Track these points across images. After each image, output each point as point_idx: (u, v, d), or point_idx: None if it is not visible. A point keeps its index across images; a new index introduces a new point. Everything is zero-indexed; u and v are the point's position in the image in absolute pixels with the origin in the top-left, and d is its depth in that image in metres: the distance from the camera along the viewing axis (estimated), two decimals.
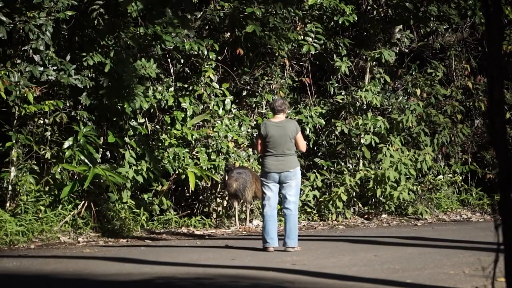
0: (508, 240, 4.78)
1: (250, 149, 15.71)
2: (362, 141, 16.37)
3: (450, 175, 17.55)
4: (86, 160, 13.73)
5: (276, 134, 10.90)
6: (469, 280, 7.59)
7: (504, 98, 4.90)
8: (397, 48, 17.90)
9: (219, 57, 15.68)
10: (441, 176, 17.27)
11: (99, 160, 14.19)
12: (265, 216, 11.01)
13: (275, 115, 11.18)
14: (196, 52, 14.97)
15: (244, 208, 14.96)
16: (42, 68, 13.42)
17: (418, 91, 17.31)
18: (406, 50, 18.24)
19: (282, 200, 11.04)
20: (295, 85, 16.99)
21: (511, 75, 17.76)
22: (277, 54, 15.96)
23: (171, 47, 14.74)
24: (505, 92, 17.80)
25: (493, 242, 5.01)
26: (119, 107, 14.24)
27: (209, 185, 15.31)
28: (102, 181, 13.89)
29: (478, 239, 11.44)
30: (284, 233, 10.92)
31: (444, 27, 18.17)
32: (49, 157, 13.78)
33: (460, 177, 17.81)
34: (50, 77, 13.53)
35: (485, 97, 17.72)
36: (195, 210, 15.55)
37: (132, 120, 14.61)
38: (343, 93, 17.13)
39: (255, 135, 15.76)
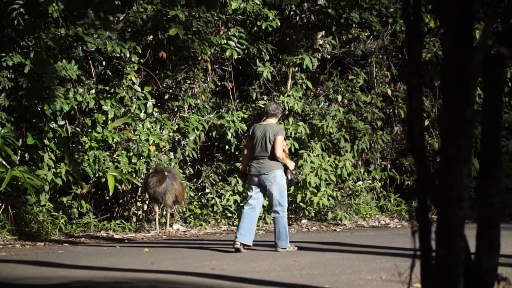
0: (424, 246, 4.84)
1: (171, 153, 15.63)
2: None
3: (370, 181, 17.73)
4: (4, 162, 13.46)
5: (258, 136, 11.29)
6: (386, 286, 7.67)
7: (423, 105, 4.96)
8: (319, 54, 18.02)
9: (141, 60, 15.55)
10: (360, 182, 17.44)
11: (17, 162, 13.94)
12: (242, 213, 11.35)
13: (267, 118, 11.57)
14: (118, 55, 14.83)
15: (164, 212, 14.88)
16: None
17: (339, 97, 17.46)
18: (328, 56, 18.37)
19: (269, 204, 11.45)
20: (217, 89, 16.98)
21: (430, 82, 18.03)
22: (200, 58, 15.92)
23: (93, 49, 14.59)
24: (424, 99, 18.06)
25: (409, 248, 5.06)
26: (39, 109, 14.03)
27: (129, 188, 15.20)
28: (20, 183, 13.65)
29: (395, 245, 11.59)
30: (274, 235, 11.29)
31: (366, 34, 18.36)
32: None
33: (379, 184, 18.00)
34: None
35: (405, 104, 17.96)
36: (115, 214, 15.42)
37: (52, 122, 14.40)
38: (265, 98, 17.17)
39: (176, 139, 15.70)
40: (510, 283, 5.22)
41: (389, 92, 18.34)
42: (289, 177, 11.47)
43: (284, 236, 11.14)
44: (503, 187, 17.31)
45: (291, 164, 11.48)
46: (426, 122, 18.25)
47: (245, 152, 11.58)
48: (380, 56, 18.86)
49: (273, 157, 11.18)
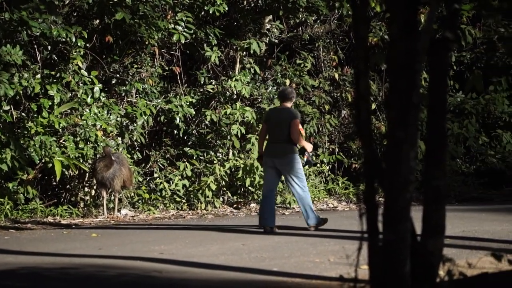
0: (371, 229, 4.88)
1: (119, 138, 15.55)
2: (231, 130, 16.44)
3: (318, 165, 17.81)
4: None
5: (274, 120, 11.49)
6: (334, 268, 7.72)
7: (369, 89, 5.00)
8: (267, 39, 18.03)
9: (87, 45, 15.41)
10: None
11: None
12: (262, 196, 11.75)
13: (283, 102, 11.77)
14: (64, 39, 14.67)
15: (112, 197, 14.80)
16: None
17: (287, 82, 17.49)
18: (276, 41, 18.38)
19: (290, 189, 11.86)
20: (165, 74, 16.91)
21: (377, 66, 18.15)
22: (147, 43, 15.82)
23: (38, 34, 14.41)
24: (371, 83, 18.18)
25: (357, 231, 5.10)
26: None
27: (76, 174, 15.09)
28: None
29: (343, 228, 11.69)
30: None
31: (313, 19, 18.42)
32: None
33: (327, 167, 18.09)
34: None
35: (352, 88, 18.06)
36: (62, 199, 15.30)
37: None
38: (213, 83, 17.15)
39: (124, 124, 15.61)
40: (455, 264, 5.30)
41: (337, 76, 18.43)
42: (306, 159, 11.81)
43: (311, 214, 11.54)
44: (448, 170, 17.53)
45: (309, 146, 11.82)
46: (373, 106, 18.39)
47: (261, 136, 11.86)
48: (327, 40, 18.94)
49: (289, 140, 11.36)
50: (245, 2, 17.81)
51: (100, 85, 15.29)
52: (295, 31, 19.07)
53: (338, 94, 18.68)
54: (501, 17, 16.34)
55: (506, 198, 18.38)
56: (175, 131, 16.63)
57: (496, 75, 20.00)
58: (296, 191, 11.44)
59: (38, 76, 14.71)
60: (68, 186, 15.37)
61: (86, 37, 14.96)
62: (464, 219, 12.75)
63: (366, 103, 4.94)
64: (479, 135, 19.55)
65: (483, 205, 16.65)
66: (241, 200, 16.46)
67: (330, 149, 18.53)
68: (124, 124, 15.66)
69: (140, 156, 16.40)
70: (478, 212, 14.49)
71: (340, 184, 17.96)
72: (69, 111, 15.12)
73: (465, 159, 19.55)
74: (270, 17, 18.10)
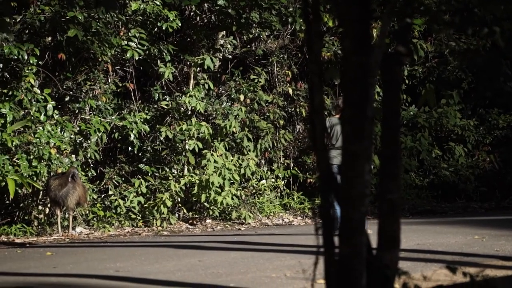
0: (327, 243, 4.90)
1: (73, 156, 15.43)
2: (186, 146, 16.40)
3: (273, 180, 17.82)
4: None
5: (338, 128, 12.00)
6: (290, 283, 7.72)
7: (324, 104, 5.02)
8: (221, 54, 18.05)
9: (40, 62, 15.30)
10: (264, 181, 17.51)
11: None
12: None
13: (339, 113, 11.94)
14: (16, 57, 14.56)
15: (67, 215, 14.68)
16: None
17: (242, 97, 17.52)
18: (230, 56, 18.41)
19: None
20: (119, 90, 16.84)
21: (330, 81, 18.25)
22: (100, 59, 15.76)
23: None
24: (325, 98, 18.26)
25: (313, 245, 5.11)
26: None
27: (30, 192, 14.94)
28: None
29: (299, 243, 11.69)
30: None
31: (266, 34, 18.47)
32: None
33: (282, 182, 18.11)
34: None
35: (306, 103, 18.14)
36: (16, 218, 15.13)
37: None
38: (167, 99, 17.12)
39: (78, 141, 15.50)
40: (411, 277, 5.34)
41: (291, 91, 18.50)
42: None
43: None
44: (402, 183, 17.66)
45: None
46: None
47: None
48: (281, 55, 19.00)
49: None
50: (198, 18, 17.81)
51: (53, 102, 15.19)
52: (249, 46, 19.12)
53: (293, 109, 18.75)
54: (452, 31, 16.55)
55: (459, 210, 18.60)
56: (130, 148, 16.56)
57: (447, 89, 20.25)
58: None
59: None
60: (21, 205, 15.21)
61: (38, 54, 14.87)
62: (418, 232, 12.84)
63: (321, 117, 4.96)
64: (432, 149, 19.76)
65: (436, 217, 16.80)
66: (196, 216, 16.41)
67: (285, 164, 18.57)
68: (78, 141, 15.56)
69: (95, 173, 16.30)
70: (432, 225, 14.60)
71: (295, 199, 17.99)
72: (22, 129, 14.98)
73: (419, 172, 19.73)
74: (224, 32, 18.13)
